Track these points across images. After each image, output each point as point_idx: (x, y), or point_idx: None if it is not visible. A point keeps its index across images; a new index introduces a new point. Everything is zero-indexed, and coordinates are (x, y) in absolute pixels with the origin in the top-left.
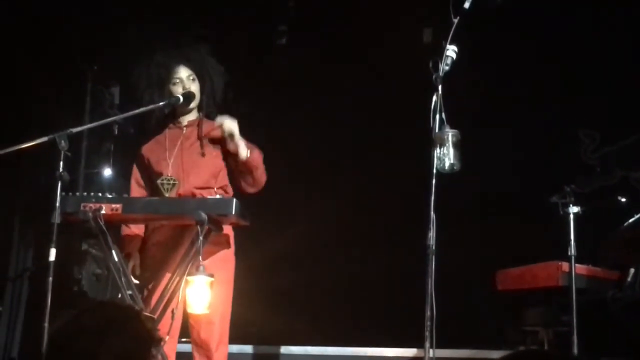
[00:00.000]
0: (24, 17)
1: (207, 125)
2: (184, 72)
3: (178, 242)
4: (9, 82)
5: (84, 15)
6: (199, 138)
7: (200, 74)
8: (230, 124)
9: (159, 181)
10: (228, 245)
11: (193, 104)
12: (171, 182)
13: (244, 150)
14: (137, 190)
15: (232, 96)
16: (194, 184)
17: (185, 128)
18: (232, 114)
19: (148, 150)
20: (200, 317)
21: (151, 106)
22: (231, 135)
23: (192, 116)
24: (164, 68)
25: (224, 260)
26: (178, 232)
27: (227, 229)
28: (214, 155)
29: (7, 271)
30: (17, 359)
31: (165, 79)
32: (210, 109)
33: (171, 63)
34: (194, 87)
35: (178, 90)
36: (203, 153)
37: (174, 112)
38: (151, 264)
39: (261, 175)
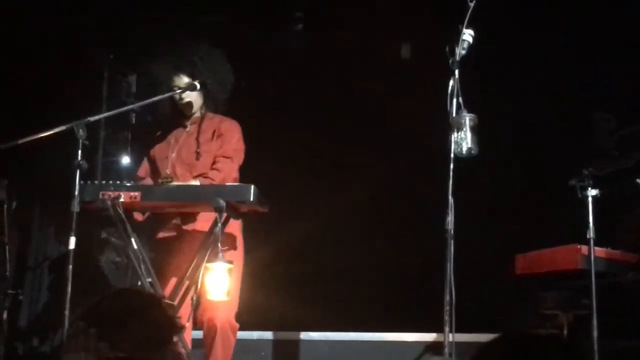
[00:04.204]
0: (41, 6)
1: (208, 122)
2: (180, 80)
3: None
4: (26, 72)
5: (101, 4)
6: (197, 140)
7: (195, 79)
8: None
9: (159, 180)
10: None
11: (194, 107)
12: (168, 180)
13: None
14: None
15: (238, 89)
16: (188, 182)
17: (189, 125)
18: (241, 105)
19: (156, 143)
20: (208, 300)
21: (168, 94)
22: None
23: (197, 115)
24: (160, 78)
25: (231, 245)
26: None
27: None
28: (210, 154)
29: (26, 260)
30: (37, 346)
31: (163, 87)
32: (210, 108)
33: (165, 74)
34: (192, 95)
35: (176, 97)
36: (198, 153)
37: (181, 112)
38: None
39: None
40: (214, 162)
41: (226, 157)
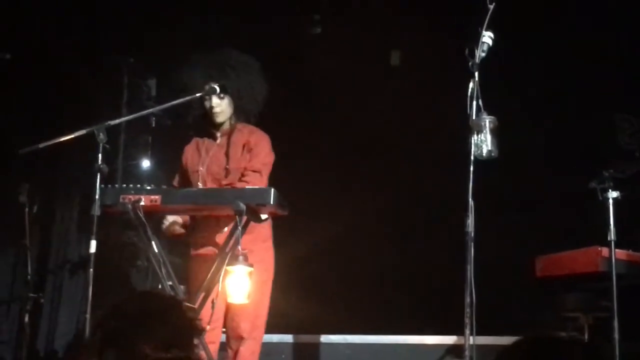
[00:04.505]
0: (61, 10)
1: (238, 135)
2: (216, 86)
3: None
4: (47, 76)
5: (121, 8)
6: (227, 154)
7: (229, 87)
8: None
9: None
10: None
11: (224, 116)
12: None
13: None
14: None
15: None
16: None
17: (219, 137)
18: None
19: (188, 153)
20: (236, 305)
21: (188, 97)
22: None
23: (226, 126)
24: (191, 84)
25: (263, 250)
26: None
27: (266, 223)
28: (239, 171)
29: (47, 262)
30: (58, 349)
31: (193, 93)
32: (241, 119)
33: (197, 83)
34: (222, 103)
35: (207, 105)
36: (227, 170)
37: (211, 121)
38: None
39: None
40: (242, 175)
41: (255, 170)
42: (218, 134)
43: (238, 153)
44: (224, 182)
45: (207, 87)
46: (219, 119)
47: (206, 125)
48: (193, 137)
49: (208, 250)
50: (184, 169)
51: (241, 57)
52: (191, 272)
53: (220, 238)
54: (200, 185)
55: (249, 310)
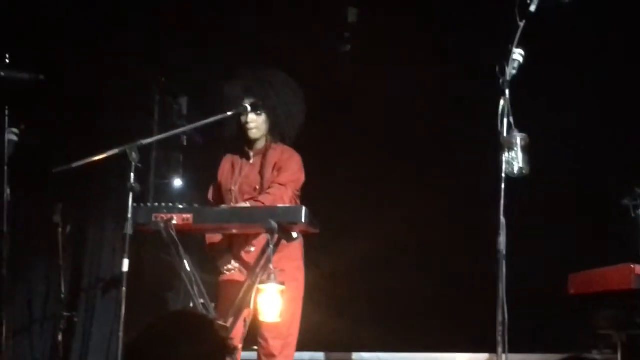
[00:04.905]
0: (92, 29)
1: (273, 153)
2: (248, 104)
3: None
4: (79, 96)
5: (153, 27)
6: (261, 174)
7: (265, 105)
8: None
9: None
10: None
11: (259, 134)
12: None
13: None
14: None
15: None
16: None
17: (252, 157)
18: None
19: (224, 170)
20: (267, 323)
21: (219, 116)
22: None
23: (260, 145)
24: (230, 99)
25: (294, 268)
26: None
27: (297, 241)
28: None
29: (80, 281)
30: None
31: (232, 108)
32: (276, 138)
33: (236, 94)
34: (259, 120)
35: (243, 120)
36: (258, 191)
37: (246, 138)
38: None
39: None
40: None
41: (280, 184)
42: (252, 153)
43: (269, 173)
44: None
45: (244, 104)
46: (253, 135)
47: (241, 142)
48: (226, 152)
49: (233, 276)
50: (219, 185)
51: (283, 78)
52: (220, 296)
53: (248, 257)
54: (232, 204)
55: (280, 328)
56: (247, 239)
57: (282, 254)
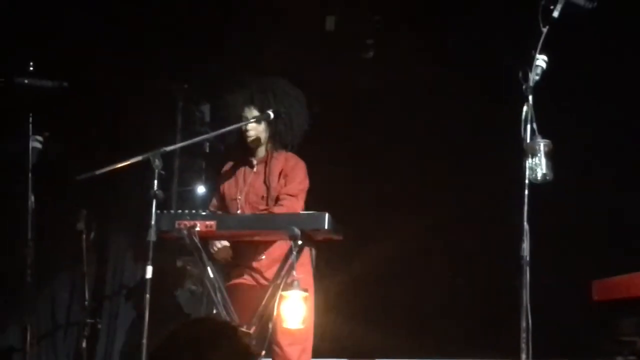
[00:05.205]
0: (115, 37)
1: (276, 162)
2: (250, 112)
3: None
4: (103, 103)
5: (175, 35)
6: (266, 183)
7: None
8: None
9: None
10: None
11: (256, 142)
12: None
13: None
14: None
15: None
16: None
17: (256, 165)
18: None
19: (225, 179)
20: (283, 330)
21: (242, 123)
22: None
23: (261, 152)
24: (232, 108)
25: (305, 274)
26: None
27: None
28: (276, 197)
29: (104, 288)
30: None
31: (234, 117)
32: (277, 146)
33: (237, 103)
34: (259, 128)
35: (245, 128)
36: (265, 200)
37: (247, 147)
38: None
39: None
40: (278, 199)
41: (291, 195)
42: (255, 161)
43: (275, 181)
44: (261, 208)
45: (245, 113)
46: (251, 141)
47: (242, 150)
48: (226, 161)
49: (243, 279)
50: (222, 196)
51: (285, 86)
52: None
53: (259, 265)
54: (238, 212)
55: (296, 334)
56: (257, 248)
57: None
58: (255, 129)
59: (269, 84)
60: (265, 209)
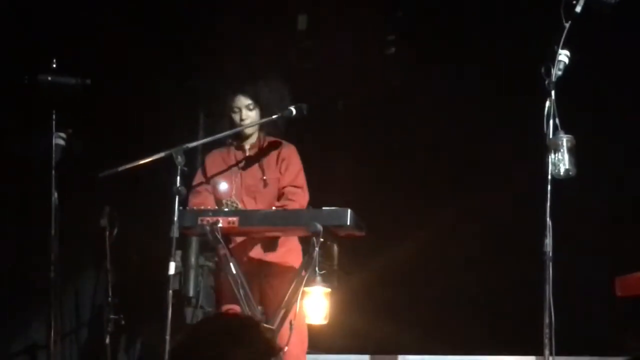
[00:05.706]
0: (140, 34)
1: (269, 146)
2: (242, 102)
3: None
4: (125, 100)
5: (197, 32)
6: (261, 166)
7: (258, 102)
8: None
9: (223, 201)
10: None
11: (252, 130)
12: (234, 204)
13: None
14: (205, 195)
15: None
16: (257, 208)
17: (248, 150)
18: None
19: (212, 164)
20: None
21: (264, 119)
22: None
23: (253, 139)
24: (225, 98)
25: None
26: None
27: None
28: (275, 179)
29: (127, 285)
30: None
31: (227, 107)
32: (270, 135)
33: (229, 94)
34: (252, 115)
35: (237, 119)
36: (265, 182)
37: (238, 135)
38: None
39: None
40: (282, 192)
41: (297, 186)
42: (247, 146)
43: (272, 164)
44: (262, 195)
45: (246, 105)
46: (248, 131)
47: (233, 138)
48: (210, 150)
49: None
50: (213, 181)
51: (277, 77)
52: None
53: (254, 253)
54: (234, 198)
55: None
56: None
57: (284, 247)
58: (251, 118)
59: (259, 72)
60: (281, 206)
